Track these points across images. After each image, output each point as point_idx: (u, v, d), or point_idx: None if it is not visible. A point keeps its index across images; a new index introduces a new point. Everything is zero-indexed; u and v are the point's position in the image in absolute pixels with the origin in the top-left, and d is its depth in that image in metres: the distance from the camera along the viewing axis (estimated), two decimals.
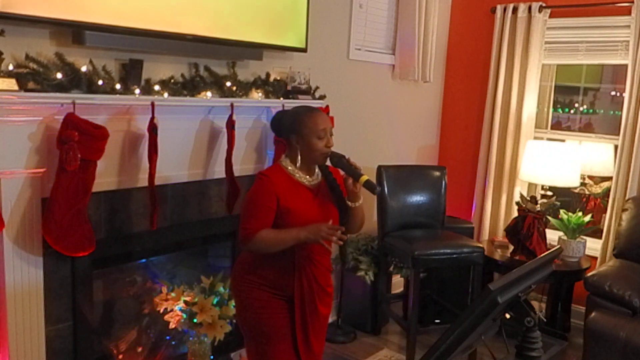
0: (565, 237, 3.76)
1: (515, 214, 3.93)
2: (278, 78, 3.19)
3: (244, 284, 2.22)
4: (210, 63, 2.88)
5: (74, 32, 2.34)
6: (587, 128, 4.49)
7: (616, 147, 3.88)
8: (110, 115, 2.42)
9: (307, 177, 2.22)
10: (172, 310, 2.80)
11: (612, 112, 4.34)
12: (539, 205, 3.66)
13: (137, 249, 2.74)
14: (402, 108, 4.35)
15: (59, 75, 2.23)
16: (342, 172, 2.19)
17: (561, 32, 4.07)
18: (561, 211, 3.89)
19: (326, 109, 3.28)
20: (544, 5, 4.04)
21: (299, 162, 2.19)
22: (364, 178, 2.10)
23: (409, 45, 4.06)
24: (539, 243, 3.61)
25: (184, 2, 2.63)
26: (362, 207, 2.24)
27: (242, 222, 2.14)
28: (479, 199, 4.43)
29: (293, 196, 2.15)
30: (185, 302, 2.78)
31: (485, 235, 4.33)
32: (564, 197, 4.21)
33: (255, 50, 3.02)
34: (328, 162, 2.21)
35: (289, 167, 2.20)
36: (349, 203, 2.20)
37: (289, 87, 3.18)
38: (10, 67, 2.13)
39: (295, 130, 2.16)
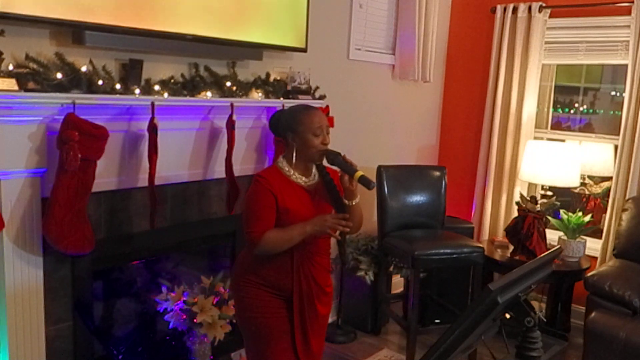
0: (565, 237, 3.76)
1: (515, 214, 3.93)
2: (278, 78, 3.19)
3: (244, 283, 2.22)
4: (210, 63, 2.88)
5: (74, 32, 2.34)
6: (587, 128, 4.50)
7: (616, 147, 3.88)
8: (110, 115, 2.42)
9: (304, 177, 2.22)
10: (172, 310, 2.80)
11: (612, 112, 4.34)
12: (539, 205, 3.66)
13: (137, 248, 2.73)
14: (402, 108, 4.35)
15: (59, 75, 2.22)
16: (338, 170, 2.19)
17: (561, 32, 4.07)
18: (561, 211, 3.89)
19: (326, 109, 3.28)
20: (544, 5, 4.04)
21: (296, 160, 2.19)
22: (359, 174, 2.11)
23: (409, 45, 4.06)
24: (539, 243, 3.61)
25: (185, 2, 2.63)
26: (359, 206, 2.24)
27: (245, 226, 2.13)
28: (479, 199, 4.43)
29: (290, 197, 2.15)
30: (185, 302, 2.78)
31: (485, 235, 4.32)
32: (564, 197, 4.21)
33: (255, 50, 3.02)
34: (325, 163, 2.21)
35: (286, 168, 2.20)
36: (347, 201, 2.20)
37: (289, 87, 3.18)
38: (10, 67, 2.13)
39: (292, 127, 2.16)
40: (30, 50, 2.23)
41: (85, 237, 2.34)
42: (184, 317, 2.77)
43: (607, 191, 4.03)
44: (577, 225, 3.73)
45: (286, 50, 3.21)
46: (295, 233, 2.10)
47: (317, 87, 3.34)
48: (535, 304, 4.01)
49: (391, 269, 3.86)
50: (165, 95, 2.58)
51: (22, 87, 2.12)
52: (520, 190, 4.10)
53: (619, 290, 3.12)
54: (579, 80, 4.47)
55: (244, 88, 2.97)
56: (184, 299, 2.79)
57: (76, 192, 2.26)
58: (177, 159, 2.76)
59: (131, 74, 2.48)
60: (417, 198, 3.77)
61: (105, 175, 2.46)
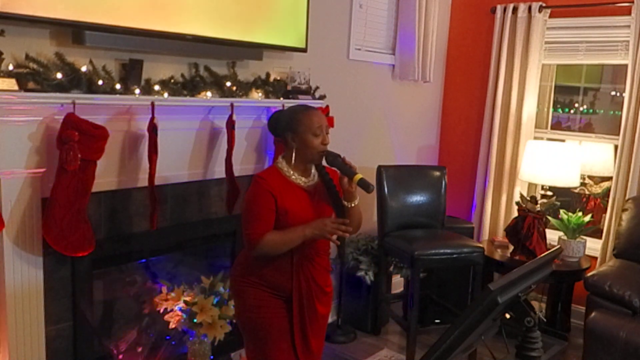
0: (565, 237, 3.76)
1: (515, 214, 3.93)
2: (278, 78, 3.19)
3: (243, 284, 2.22)
4: (210, 63, 2.88)
5: (74, 32, 2.34)
6: (587, 128, 4.50)
7: (616, 147, 3.88)
8: (110, 115, 2.42)
9: (303, 178, 2.21)
10: (172, 310, 2.80)
11: (612, 112, 4.34)
12: (539, 205, 3.66)
13: (137, 249, 2.73)
14: (402, 108, 4.35)
15: (59, 75, 2.22)
16: (337, 171, 2.19)
17: (561, 32, 4.07)
18: (561, 211, 3.89)
19: (326, 109, 3.28)
20: (544, 5, 4.04)
21: (295, 161, 2.19)
22: (358, 177, 2.11)
23: (409, 45, 4.06)
24: (539, 243, 3.61)
25: (185, 2, 2.63)
26: (359, 207, 2.24)
27: (245, 227, 2.13)
28: (479, 199, 4.43)
29: (290, 197, 2.15)
30: (185, 302, 2.78)
31: (485, 235, 4.32)
32: (564, 197, 4.21)
33: (255, 50, 3.02)
34: (324, 163, 2.21)
35: (285, 169, 2.20)
36: (346, 203, 2.20)
37: (289, 87, 3.18)
38: (10, 67, 2.13)
39: (291, 127, 2.16)
40: (30, 50, 2.23)
41: (85, 237, 2.34)
42: (184, 317, 2.77)
43: (607, 191, 4.03)
44: (577, 225, 3.72)
45: (286, 50, 3.21)
46: (294, 236, 2.10)
47: (317, 87, 3.34)
48: (535, 304, 4.01)
49: (391, 269, 3.86)
50: (165, 95, 2.58)
51: (22, 87, 2.12)
52: (520, 190, 4.10)
53: (619, 290, 3.12)
54: (579, 80, 4.47)
55: (244, 88, 2.97)
56: (184, 299, 2.79)
57: (76, 192, 2.26)
58: (177, 159, 2.76)
59: (131, 74, 2.48)
60: (417, 198, 3.77)
61: (105, 175, 2.46)
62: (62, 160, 2.20)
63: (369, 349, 3.62)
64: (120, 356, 2.85)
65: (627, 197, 3.72)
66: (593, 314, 3.07)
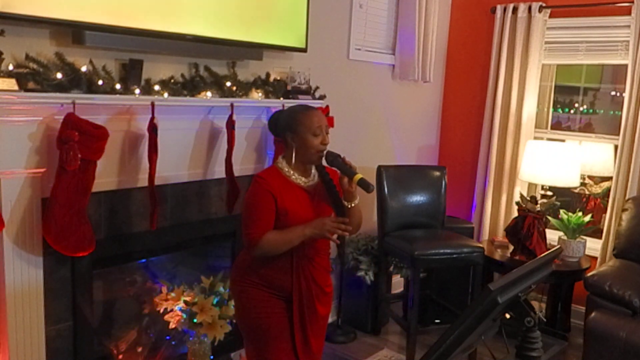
0: (565, 237, 3.76)
1: (515, 214, 3.93)
2: (278, 78, 3.19)
3: (243, 284, 2.22)
4: (210, 63, 2.88)
5: (74, 32, 2.34)
6: (587, 128, 4.50)
7: (616, 147, 3.88)
8: (110, 115, 2.42)
9: (303, 178, 2.22)
10: (172, 310, 2.80)
11: (612, 112, 4.34)
12: (539, 205, 3.67)
13: (137, 249, 2.73)
14: (402, 108, 4.35)
15: (59, 75, 2.22)
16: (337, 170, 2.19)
17: (561, 32, 4.07)
18: (561, 211, 3.89)
19: (326, 109, 3.28)
20: (544, 5, 4.04)
21: (295, 161, 2.19)
22: (358, 176, 2.12)
23: (409, 45, 4.06)
24: (539, 243, 3.61)
25: (185, 2, 2.63)
26: (359, 207, 2.24)
27: (244, 228, 2.13)
28: (479, 199, 4.43)
29: (290, 197, 2.15)
30: (185, 302, 2.78)
31: (485, 235, 4.33)
32: (564, 197, 4.21)
33: (255, 50, 3.02)
34: (324, 162, 2.21)
35: (285, 169, 2.20)
36: (346, 203, 2.20)
37: (289, 87, 3.18)
38: (10, 67, 2.13)
39: (291, 127, 2.16)
40: (30, 50, 2.23)
41: (85, 238, 2.34)
42: (184, 317, 2.77)
43: (607, 191, 4.03)
44: (577, 225, 3.72)
45: (286, 50, 3.21)
46: (294, 236, 2.10)
47: (317, 87, 3.34)
48: (535, 304, 4.01)
49: (391, 269, 3.86)
50: (165, 95, 2.57)
51: (22, 87, 2.11)
52: (520, 190, 4.10)
53: (619, 290, 3.12)
54: (579, 80, 4.47)
55: (244, 88, 2.97)
56: (184, 299, 2.79)
57: (76, 192, 2.26)
58: (177, 159, 2.76)
59: (131, 74, 2.48)
60: (417, 198, 3.77)
61: (105, 175, 2.46)
62: (62, 160, 2.20)
63: (369, 349, 3.62)
64: (120, 356, 2.85)
65: (627, 197, 3.72)
66: (593, 314, 3.07)
